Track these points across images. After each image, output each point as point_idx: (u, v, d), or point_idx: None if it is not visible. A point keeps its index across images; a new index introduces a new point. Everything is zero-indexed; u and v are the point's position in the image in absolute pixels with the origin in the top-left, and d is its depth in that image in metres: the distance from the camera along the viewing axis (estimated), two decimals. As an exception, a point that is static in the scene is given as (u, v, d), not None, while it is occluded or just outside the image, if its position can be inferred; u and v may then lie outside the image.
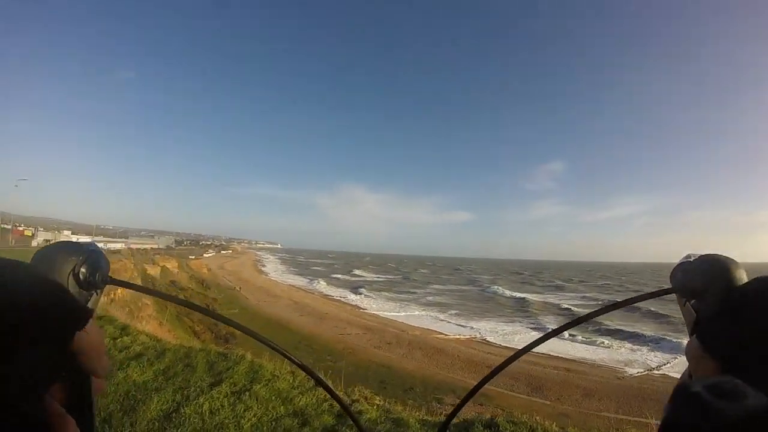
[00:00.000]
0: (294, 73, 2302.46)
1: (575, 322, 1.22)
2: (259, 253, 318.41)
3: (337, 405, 7.18)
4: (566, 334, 41.79)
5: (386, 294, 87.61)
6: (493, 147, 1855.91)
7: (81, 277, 0.82)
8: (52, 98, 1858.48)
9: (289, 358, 1.31)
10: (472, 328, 50.17)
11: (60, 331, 0.62)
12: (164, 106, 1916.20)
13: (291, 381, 7.93)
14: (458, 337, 43.72)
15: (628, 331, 45.66)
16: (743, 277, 0.85)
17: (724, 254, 0.93)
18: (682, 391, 0.52)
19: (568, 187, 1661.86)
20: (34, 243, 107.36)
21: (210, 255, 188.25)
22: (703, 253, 0.96)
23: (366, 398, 8.11)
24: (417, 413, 7.86)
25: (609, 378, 31.04)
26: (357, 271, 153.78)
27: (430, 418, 7.43)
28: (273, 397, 7.14)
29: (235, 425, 6.02)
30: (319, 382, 1.39)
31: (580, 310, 66.28)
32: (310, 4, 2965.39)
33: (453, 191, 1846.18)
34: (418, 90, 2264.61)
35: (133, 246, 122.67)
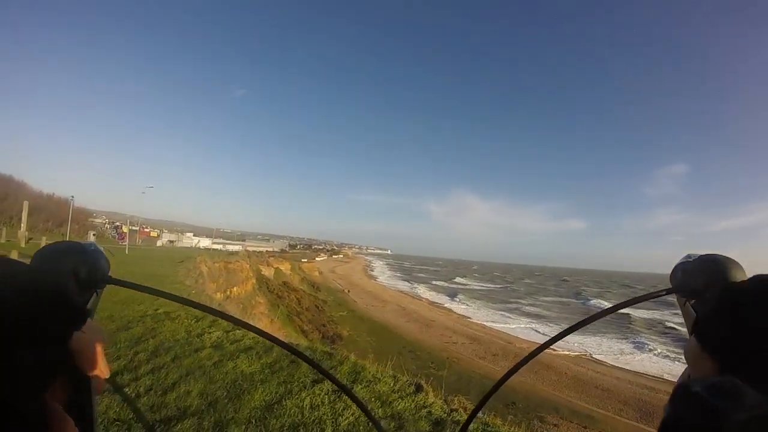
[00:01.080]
0: (408, 81, 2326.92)
1: (584, 322, 1.20)
2: (369, 258, 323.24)
3: (436, 412, 7.19)
4: (678, 360, 39.49)
5: (484, 303, 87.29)
6: (609, 149, 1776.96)
7: (81, 276, 0.85)
8: (178, 112, 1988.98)
9: (307, 359, 1.32)
10: (577, 343, 48.74)
11: (59, 331, 0.63)
12: (280, 119, 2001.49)
13: (392, 385, 7.99)
14: (567, 353, 42.25)
15: None
16: (743, 277, 0.87)
17: (724, 254, 0.91)
18: (681, 391, 0.52)
19: (692, 191, 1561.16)
20: (159, 243, 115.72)
21: (321, 259, 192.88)
22: (703, 253, 0.95)
23: (465, 409, 8.02)
24: (517, 428, 7.70)
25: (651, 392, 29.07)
26: (459, 279, 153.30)
27: (528, 436, 7.26)
28: (372, 399, 7.22)
29: (332, 422, 6.14)
30: (337, 384, 1.47)
31: (683, 329, 62.86)
32: (427, 13, 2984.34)
33: (566, 198, 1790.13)
34: (532, 96, 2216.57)
35: (250, 248, 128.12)
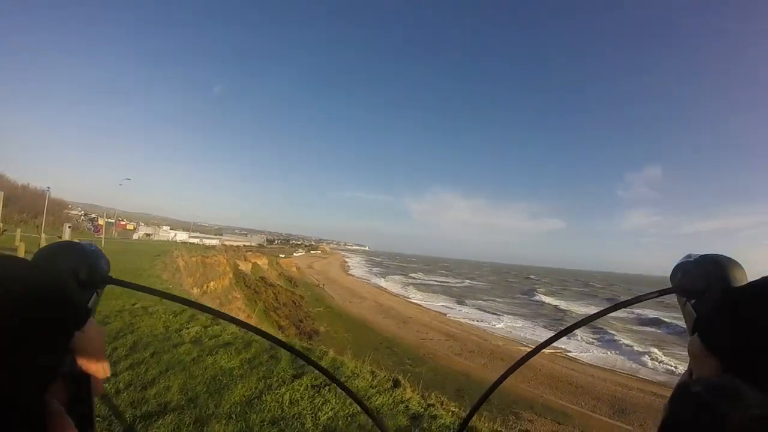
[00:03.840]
0: (391, 79, 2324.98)
1: (581, 322, 1.25)
2: (346, 254, 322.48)
3: (413, 407, 7.29)
4: (651, 357, 40.21)
5: (428, 294, 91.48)
6: (586, 152, 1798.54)
7: (81, 277, 0.87)
8: (157, 103, 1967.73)
9: (304, 357, 1.36)
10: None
11: (59, 331, 0.64)
12: (259, 113, 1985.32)
13: (370, 380, 8.07)
14: (543, 351, 42.71)
15: None
16: (743, 277, 0.88)
17: (725, 254, 0.93)
18: (682, 390, 0.52)
19: (665, 194, 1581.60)
20: (135, 236, 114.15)
21: (299, 254, 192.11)
22: (703, 253, 0.97)
23: (442, 404, 8.13)
24: (491, 425, 7.82)
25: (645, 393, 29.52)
26: (415, 274, 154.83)
27: (501, 429, 7.40)
28: (351, 394, 7.30)
29: (312, 417, 6.20)
30: (334, 380, 1.49)
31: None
32: (410, 10, 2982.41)
33: (544, 198, 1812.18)
34: (512, 99, 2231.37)
35: (227, 243, 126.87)
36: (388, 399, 7.36)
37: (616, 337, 52.11)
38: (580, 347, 46.37)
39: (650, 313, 72.48)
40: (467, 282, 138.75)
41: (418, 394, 8.09)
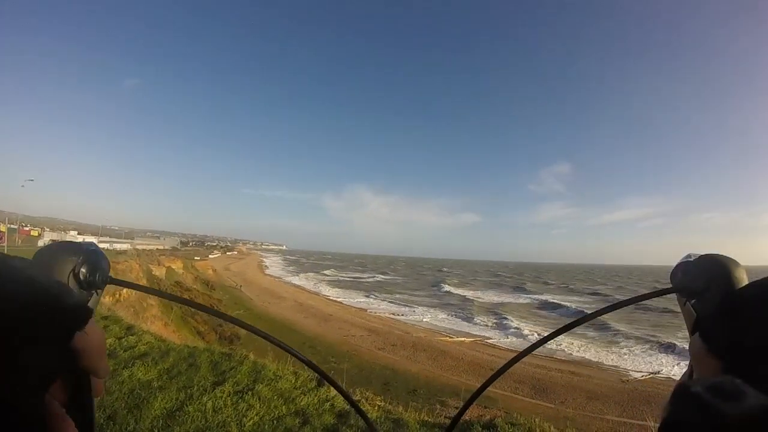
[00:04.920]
0: (301, 73, 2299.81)
1: (577, 322, 1.21)
2: (264, 254, 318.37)
3: (339, 404, 7.29)
4: (566, 337, 42.06)
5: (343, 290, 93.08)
6: (499, 149, 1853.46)
7: (81, 277, 0.85)
8: (61, 100, 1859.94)
9: (296, 355, 1.32)
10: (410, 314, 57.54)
11: (59, 331, 0.61)
12: (170, 108, 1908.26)
13: (293, 381, 8.02)
14: (463, 339, 43.65)
15: (633, 334, 45.70)
16: (743, 276, 0.88)
17: (724, 254, 0.94)
18: (681, 390, 0.51)
19: (574, 189, 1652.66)
20: (40, 243, 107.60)
21: (215, 256, 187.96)
22: (703, 253, 0.97)
23: (367, 399, 8.19)
24: (418, 415, 7.93)
25: (613, 381, 30.86)
26: (326, 271, 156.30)
27: (430, 419, 7.51)
28: (275, 397, 7.22)
29: (237, 424, 6.10)
30: (327, 379, 1.39)
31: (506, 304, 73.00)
32: (316, 4, 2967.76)
33: (460, 193, 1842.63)
34: (424, 92, 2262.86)
35: (139, 246, 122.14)
36: (314, 399, 7.34)
37: (514, 323, 54.29)
38: (497, 334, 48.11)
39: (550, 298, 76.78)
40: (379, 277, 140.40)
41: (343, 391, 8.09)
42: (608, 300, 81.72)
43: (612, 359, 35.74)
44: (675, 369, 33.06)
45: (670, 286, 1.00)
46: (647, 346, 39.86)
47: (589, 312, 1.16)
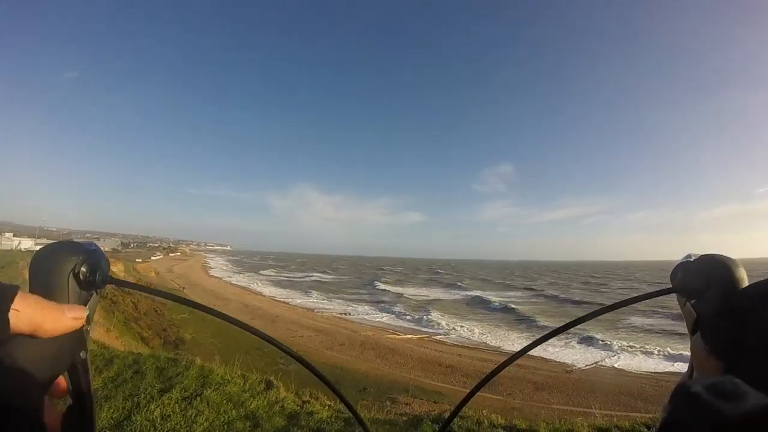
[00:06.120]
0: (244, 72, 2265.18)
1: (573, 323, 1.22)
2: (208, 255, 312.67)
3: (289, 406, 7.29)
4: (504, 332, 43.09)
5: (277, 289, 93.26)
6: (444, 149, 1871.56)
7: (81, 277, 0.84)
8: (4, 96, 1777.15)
9: (296, 357, 1.32)
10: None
11: None
12: (110, 103, 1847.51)
13: (242, 384, 7.98)
14: (410, 337, 43.96)
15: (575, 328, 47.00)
16: (744, 276, 0.88)
17: (724, 254, 0.95)
18: (681, 390, 0.52)
19: (516, 188, 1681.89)
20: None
21: (158, 258, 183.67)
22: (702, 253, 0.98)
23: (317, 399, 8.20)
24: (368, 413, 8.00)
25: (559, 372, 31.61)
26: (264, 271, 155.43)
27: (380, 417, 7.61)
28: (224, 401, 7.17)
29: (186, 430, 6.03)
30: (325, 383, 1.40)
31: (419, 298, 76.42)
32: (275, 4, 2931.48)
33: (404, 193, 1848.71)
34: (368, 93, 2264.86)
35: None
36: (263, 401, 7.33)
37: (436, 318, 55.32)
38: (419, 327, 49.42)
39: (481, 294, 78.94)
40: (318, 276, 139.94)
41: (292, 392, 8.10)
42: (540, 294, 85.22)
43: (552, 352, 36.58)
44: (611, 360, 34.05)
45: (669, 285, 1.02)
46: (575, 339, 40.95)
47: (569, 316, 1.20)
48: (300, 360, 1.31)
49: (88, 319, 0.84)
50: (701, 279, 0.91)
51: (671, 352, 34.71)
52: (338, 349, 38.77)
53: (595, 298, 75.44)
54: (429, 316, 55.30)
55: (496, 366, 1.32)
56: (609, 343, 38.51)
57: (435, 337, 44.11)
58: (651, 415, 9.25)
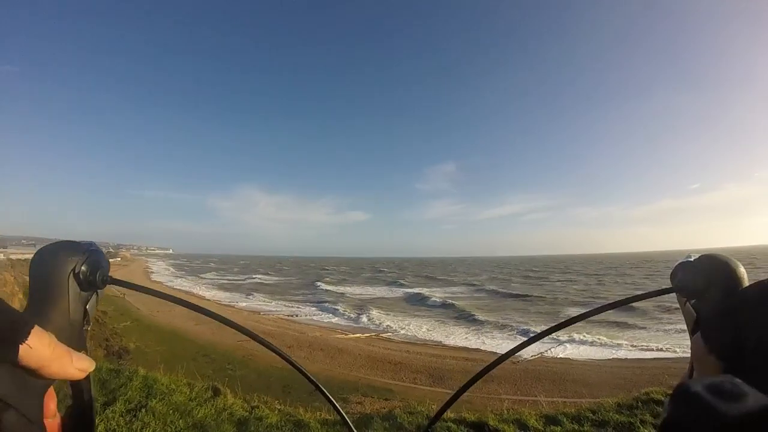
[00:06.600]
0: (185, 70, 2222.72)
1: (569, 321, 1.23)
2: (150, 259, 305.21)
3: (237, 413, 7.19)
4: (459, 327, 43.72)
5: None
6: (388, 149, 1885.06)
7: (81, 276, 0.84)
8: None
9: (294, 365, 1.38)
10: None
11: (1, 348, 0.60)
12: (47, 103, 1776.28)
13: (188, 393, 7.84)
14: (359, 336, 43.98)
15: (499, 322, 48.11)
16: (744, 276, 0.88)
17: (724, 254, 0.94)
18: (681, 390, 0.52)
19: (461, 187, 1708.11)
20: None
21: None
22: (702, 253, 0.97)
23: (266, 404, 8.12)
24: (319, 414, 7.97)
25: (506, 363, 31.86)
26: (206, 274, 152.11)
27: (331, 418, 7.58)
28: (170, 412, 7.02)
29: (132, 443, 5.88)
30: (318, 389, 1.47)
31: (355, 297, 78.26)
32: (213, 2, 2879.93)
33: (349, 192, 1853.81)
34: (310, 92, 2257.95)
35: (13, 256, 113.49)
36: (210, 409, 7.22)
37: (374, 315, 55.87)
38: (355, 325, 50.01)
39: (422, 290, 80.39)
40: (259, 278, 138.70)
41: (240, 398, 8.00)
42: (481, 289, 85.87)
43: (494, 345, 37.24)
44: (556, 350, 34.91)
45: (669, 285, 1.01)
46: (513, 332, 41.78)
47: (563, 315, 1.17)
48: (295, 365, 1.36)
49: (89, 319, 0.87)
50: (701, 279, 0.91)
51: (612, 341, 35.71)
52: (286, 351, 38.00)
53: (534, 291, 77.23)
54: (369, 314, 55.67)
55: (483, 367, 1.38)
56: (558, 336, 39.57)
57: (383, 336, 44.22)
58: (595, 400, 9.52)
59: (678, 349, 29.38)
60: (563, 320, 1.21)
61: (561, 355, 33.43)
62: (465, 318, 51.12)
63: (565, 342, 36.49)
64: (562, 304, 60.04)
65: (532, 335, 1.27)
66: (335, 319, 54.30)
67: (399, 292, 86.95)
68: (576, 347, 35.01)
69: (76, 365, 0.71)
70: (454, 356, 33.61)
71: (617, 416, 7.51)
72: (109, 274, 0.96)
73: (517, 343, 1.31)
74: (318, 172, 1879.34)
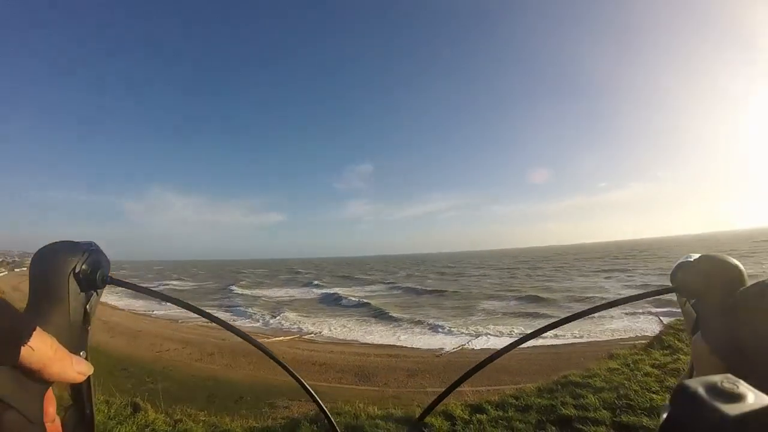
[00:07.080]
0: (87, 62, 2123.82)
1: (564, 320, 1.21)
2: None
3: (160, 428, 6.96)
4: (379, 326, 44.24)
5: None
6: (304, 149, 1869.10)
7: (81, 276, 0.84)
8: None
9: (290, 372, 1.37)
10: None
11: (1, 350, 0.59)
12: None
13: (106, 412, 7.54)
14: (281, 339, 43.64)
15: (413, 319, 49.10)
16: (743, 277, 0.88)
17: (724, 254, 0.95)
18: (681, 390, 0.52)
19: (377, 186, 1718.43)
20: None
21: (2, 274, 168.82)
22: (702, 254, 0.97)
23: (190, 416, 7.91)
24: (245, 422, 7.83)
25: (429, 357, 32.50)
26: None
27: (258, 425, 7.47)
28: (88, 432, 6.69)
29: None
30: (312, 398, 1.44)
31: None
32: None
33: (266, 192, 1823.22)
34: (225, 88, 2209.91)
35: None
36: (132, 427, 6.99)
37: (290, 317, 56.14)
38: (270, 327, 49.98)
39: (337, 290, 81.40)
40: (172, 283, 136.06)
41: (162, 413, 7.75)
42: (397, 287, 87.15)
43: (413, 339, 37.83)
44: (476, 342, 35.87)
45: (669, 285, 1.02)
46: (427, 327, 42.66)
47: (556, 314, 1.15)
48: (290, 370, 1.37)
49: (89, 319, 0.87)
50: (701, 279, 0.92)
51: (527, 331, 36.84)
52: (208, 359, 37.54)
53: (449, 287, 78.55)
54: (285, 317, 55.29)
55: (476, 363, 1.36)
56: (476, 328, 40.60)
57: (305, 337, 44.06)
58: (517, 386, 9.86)
59: (588, 336, 30.90)
60: (563, 318, 1.20)
61: (481, 347, 34.31)
62: (381, 316, 51.68)
63: (483, 334, 37.54)
64: (477, 297, 61.11)
65: (529, 331, 1.28)
66: (249, 324, 53.87)
67: (316, 292, 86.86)
68: (495, 339, 36.03)
69: (77, 368, 0.73)
70: (377, 353, 33.82)
71: (539, 400, 7.85)
72: (109, 274, 0.95)
73: (513, 340, 1.32)
74: (234, 171, 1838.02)
